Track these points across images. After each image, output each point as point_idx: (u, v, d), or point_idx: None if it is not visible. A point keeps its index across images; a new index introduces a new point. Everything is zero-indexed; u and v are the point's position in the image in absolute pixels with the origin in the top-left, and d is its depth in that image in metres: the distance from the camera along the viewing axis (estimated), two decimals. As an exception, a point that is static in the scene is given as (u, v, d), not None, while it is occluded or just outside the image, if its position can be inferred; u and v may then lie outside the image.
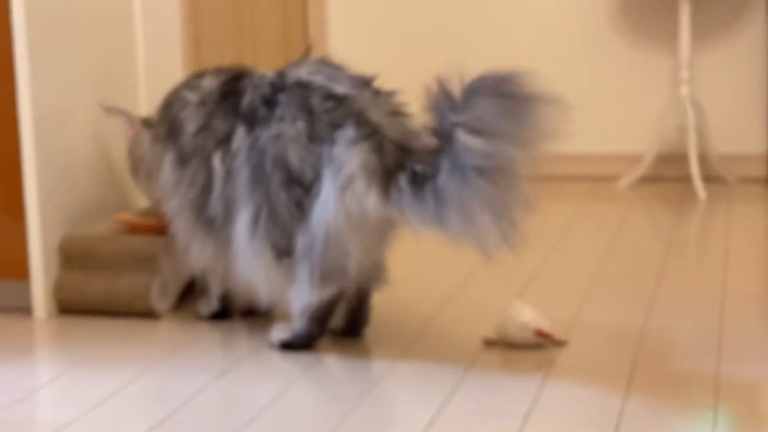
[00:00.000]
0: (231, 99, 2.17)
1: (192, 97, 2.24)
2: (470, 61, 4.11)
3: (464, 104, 1.94)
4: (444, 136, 1.96)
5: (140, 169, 2.41)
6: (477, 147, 1.91)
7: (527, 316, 2.11)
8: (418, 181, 1.97)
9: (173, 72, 2.87)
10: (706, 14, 3.92)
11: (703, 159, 3.88)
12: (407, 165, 1.99)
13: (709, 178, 3.88)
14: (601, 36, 4.01)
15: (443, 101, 1.96)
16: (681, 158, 3.92)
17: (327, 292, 2.07)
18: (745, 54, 3.91)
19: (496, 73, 1.95)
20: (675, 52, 3.92)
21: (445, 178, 1.94)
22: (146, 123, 2.41)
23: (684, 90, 3.78)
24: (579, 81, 4.02)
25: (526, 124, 1.91)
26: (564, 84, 4.04)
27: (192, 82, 2.28)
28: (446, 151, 1.95)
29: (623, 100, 4.00)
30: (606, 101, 4.01)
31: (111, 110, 2.47)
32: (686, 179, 3.91)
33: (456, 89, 1.96)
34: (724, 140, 3.94)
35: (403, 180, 1.98)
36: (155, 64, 2.80)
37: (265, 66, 3.57)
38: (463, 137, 1.92)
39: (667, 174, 3.98)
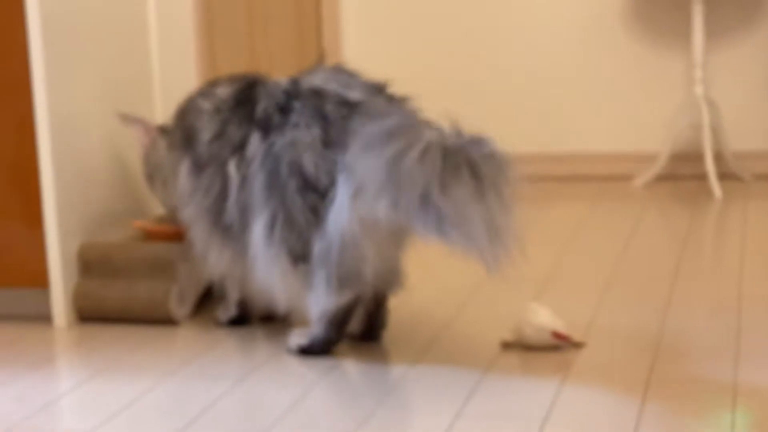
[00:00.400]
0: (245, 106, 2.18)
1: (207, 105, 2.25)
2: (484, 66, 4.11)
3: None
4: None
5: (156, 176, 2.43)
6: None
7: (544, 318, 2.11)
8: None
9: (188, 80, 2.88)
10: (719, 13, 3.91)
11: (719, 157, 3.87)
12: None
13: (724, 176, 3.87)
14: (614, 36, 4.00)
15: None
16: (696, 156, 3.91)
17: (344, 297, 2.08)
18: (759, 52, 3.90)
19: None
20: (688, 51, 3.92)
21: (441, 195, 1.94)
22: (162, 131, 2.43)
23: (698, 89, 3.77)
24: (593, 81, 4.01)
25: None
26: (578, 84, 4.04)
27: (206, 90, 2.29)
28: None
29: (637, 99, 4.00)
30: (620, 101, 4.01)
31: (127, 118, 2.49)
32: (702, 177, 3.91)
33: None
34: (739, 138, 3.93)
35: None
36: (170, 73, 2.82)
37: (279, 74, 3.59)
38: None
39: (683, 172, 3.97)
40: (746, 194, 3.61)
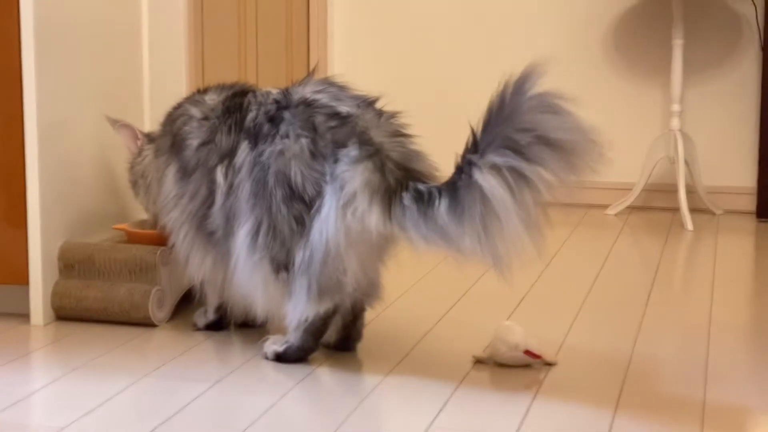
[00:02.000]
0: (234, 114, 2.21)
1: (195, 112, 2.28)
2: (467, 87, 4.16)
3: (507, 119, 1.92)
4: (473, 151, 1.95)
5: (141, 183, 2.45)
6: (507, 164, 1.91)
7: (517, 336, 2.15)
8: (425, 198, 1.99)
9: (178, 86, 2.91)
10: (699, 49, 3.99)
11: (692, 191, 3.93)
12: (409, 184, 2.03)
13: (696, 210, 3.94)
14: (595, 69, 4.07)
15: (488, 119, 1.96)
16: (670, 189, 3.97)
17: (323, 307, 2.11)
18: (737, 89, 3.98)
19: (539, 94, 1.93)
20: (667, 85, 3.98)
21: (464, 194, 1.93)
22: (149, 138, 2.46)
23: (675, 123, 3.84)
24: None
25: (564, 149, 1.91)
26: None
27: (196, 97, 2.32)
28: (477, 161, 1.94)
29: (616, 131, 4.06)
30: (599, 132, 4.06)
31: (115, 123, 2.51)
32: (674, 209, 3.97)
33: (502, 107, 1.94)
34: (714, 173, 4.00)
35: (407, 198, 2.01)
36: (160, 78, 2.84)
37: (267, 84, 3.62)
38: (494, 152, 1.91)
39: (656, 204, 4.03)
40: (717, 228, 3.67)
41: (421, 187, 2.01)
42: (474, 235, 1.94)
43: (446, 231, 1.96)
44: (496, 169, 1.92)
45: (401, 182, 2.03)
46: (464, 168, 1.96)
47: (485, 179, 1.92)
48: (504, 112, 1.93)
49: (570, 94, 1.94)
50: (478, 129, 1.96)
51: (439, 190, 1.99)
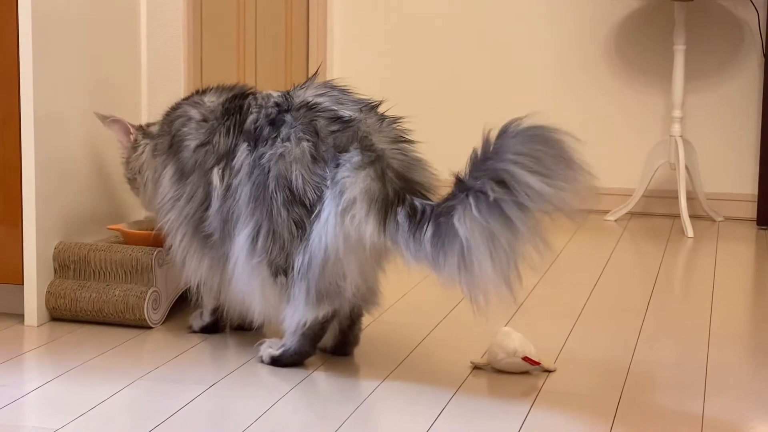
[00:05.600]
0: (234, 116, 2.20)
1: (195, 113, 2.26)
2: (468, 89, 4.14)
3: (497, 155, 1.92)
4: (467, 184, 1.94)
5: (137, 178, 2.42)
6: (500, 198, 1.89)
7: (516, 342, 2.13)
8: (416, 219, 1.98)
9: (176, 83, 2.89)
10: (701, 55, 3.97)
11: (692, 197, 3.92)
12: (407, 197, 2.01)
13: (696, 216, 3.92)
14: (597, 75, 4.05)
15: (480, 153, 1.95)
16: (671, 195, 3.96)
17: (322, 312, 2.09)
18: (738, 96, 3.96)
19: (532, 128, 1.93)
20: (669, 91, 3.97)
21: (455, 225, 1.92)
22: (143, 132, 2.42)
23: (675, 129, 3.82)
24: (575, 118, 4.06)
25: (557, 182, 1.89)
26: (560, 120, 4.07)
27: (195, 98, 2.31)
28: (461, 200, 1.93)
29: (616, 136, 4.04)
30: (600, 138, 4.05)
31: (105, 119, 2.48)
32: (674, 216, 3.95)
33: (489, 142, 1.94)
34: (714, 180, 3.98)
35: (401, 214, 1.99)
36: (158, 76, 2.83)
37: (266, 84, 3.60)
38: (490, 186, 1.90)
39: (656, 210, 4.02)
40: (718, 235, 3.66)
41: (417, 203, 2.00)
42: (453, 268, 1.94)
43: (430, 258, 1.96)
44: (478, 209, 1.90)
45: (399, 194, 2.01)
46: (455, 196, 1.95)
47: (463, 225, 1.91)
48: (491, 149, 1.93)
49: (557, 125, 1.93)
50: (471, 161, 1.95)
51: (432, 211, 1.97)
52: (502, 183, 1.90)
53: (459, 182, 1.96)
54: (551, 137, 1.92)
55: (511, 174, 1.89)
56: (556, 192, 1.89)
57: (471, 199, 1.91)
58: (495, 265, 1.91)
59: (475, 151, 1.96)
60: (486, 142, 1.95)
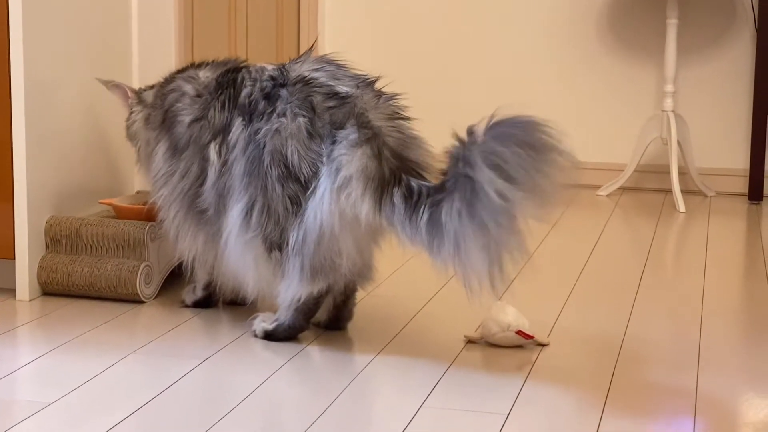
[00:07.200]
0: (228, 90, 2.18)
1: (189, 88, 2.24)
2: (459, 71, 4.13)
3: (486, 146, 1.91)
4: (458, 172, 1.93)
5: (134, 143, 2.40)
6: (492, 188, 1.89)
7: (510, 316, 2.13)
8: (412, 201, 1.97)
9: (167, 54, 2.86)
10: (694, 30, 3.96)
11: (684, 172, 3.92)
12: (403, 177, 2.00)
13: (688, 191, 3.92)
14: (589, 49, 4.04)
15: (466, 142, 1.94)
16: (663, 170, 3.96)
17: (316, 287, 2.08)
18: (730, 70, 3.96)
19: (516, 120, 1.92)
20: (661, 66, 3.96)
21: (446, 211, 1.92)
22: (138, 97, 2.39)
23: (668, 104, 3.82)
24: (566, 93, 4.05)
25: (542, 173, 1.89)
26: (552, 95, 4.07)
27: (190, 72, 2.28)
28: (455, 186, 1.93)
29: (609, 111, 4.04)
30: (592, 113, 4.05)
31: (107, 83, 2.46)
32: (666, 191, 3.96)
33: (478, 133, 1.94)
34: (706, 155, 3.99)
35: (397, 195, 1.98)
36: (149, 45, 2.81)
37: (257, 59, 3.58)
38: (483, 174, 1.90)
39: (648, 185, 4.02)
40: (709, 210, 3.66)
41: (413, 183, 1.99)
42: (448, 253, 1.94)
43: (426, 242, 1.96)
44: (467, 200, 1.90)
45: (395, 174, 2.00)
46: (447, 183, 1.94)
47: (452, 219, 1.91)
48: (482, 135, 1.93)
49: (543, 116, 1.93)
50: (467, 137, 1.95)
51: (428, 193, 1.96)
52: (497, 167, 1.90)
53: (452, 159, 1.95)
54: (531, 139, 1.91)
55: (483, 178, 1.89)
56: (520, 200, 1.89)
57: (457, 193, 1.92)
58: (487, 254, 1.91)
59: (462, 137, 1.95)
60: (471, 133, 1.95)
